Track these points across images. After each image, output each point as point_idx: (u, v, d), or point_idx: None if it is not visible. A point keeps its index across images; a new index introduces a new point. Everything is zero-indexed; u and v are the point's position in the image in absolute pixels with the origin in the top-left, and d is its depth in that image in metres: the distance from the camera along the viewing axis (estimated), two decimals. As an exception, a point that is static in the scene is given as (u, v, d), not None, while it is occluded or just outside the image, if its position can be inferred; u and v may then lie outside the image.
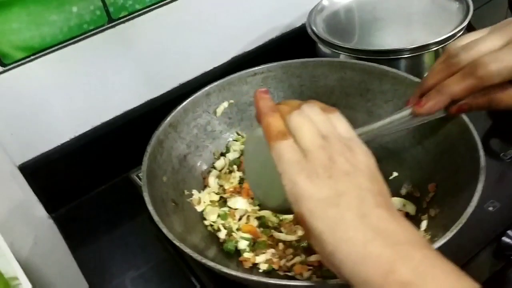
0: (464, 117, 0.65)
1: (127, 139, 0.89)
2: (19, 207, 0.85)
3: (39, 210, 0.88)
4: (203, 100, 0.78)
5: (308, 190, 0.42)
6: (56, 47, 0.76)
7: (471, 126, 0.63)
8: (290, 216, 0.70)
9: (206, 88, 0.78)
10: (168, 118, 0.73)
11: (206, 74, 0.96)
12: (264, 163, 0.49)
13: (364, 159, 0.46)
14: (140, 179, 0.83)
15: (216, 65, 0.98)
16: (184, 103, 0.76)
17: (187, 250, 0.55)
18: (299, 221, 0.43)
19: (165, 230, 0.57)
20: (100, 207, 0.88)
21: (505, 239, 0.71)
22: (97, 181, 0.91)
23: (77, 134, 0.86)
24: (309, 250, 0.67)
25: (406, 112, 0.62)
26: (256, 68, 0.81)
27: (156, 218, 0.59)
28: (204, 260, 0.54)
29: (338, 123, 0.49)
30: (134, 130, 0.88)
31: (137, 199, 0.80)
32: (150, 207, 0.60)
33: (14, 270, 0.62)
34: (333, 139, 0.46)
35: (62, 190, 0.88)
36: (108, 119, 0.88)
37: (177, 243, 0.56)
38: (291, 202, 0.44)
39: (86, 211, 0.89)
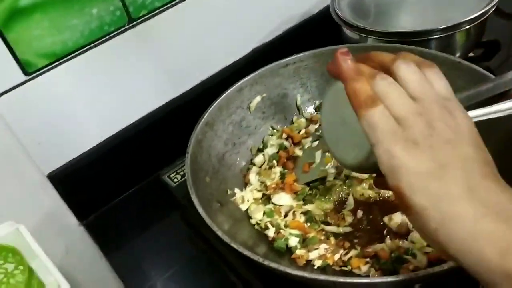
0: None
1: (153, 140, 0.87)
2: (50, 216, 0.83)
3: (70, 218, 0.86)
4: (236, 96, 0.76)
5: (407, 162, 0.38)
6: (78, 52, 0.74)
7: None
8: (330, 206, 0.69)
9: (239, 83, 0.76)
10: (204, 117, 0.71)
11: (227, 69, 0.93)
12: (344, 118, 0.45)
13: (466, 122, 0.41)
14: (171, 180, 0.82)
15: (236, 59, 0.95)
16: (218, 100, 0.73)
17: (246, 252, 0.53)
18: (396, 195, 0.39)
19: (219, 233, 0.55)
20: (130, 211, 0.87)
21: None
22: (125, 185, 0.89)
23: (103, 139, 0.84)
24: (364, 242, 0.65)
25: None
26: (287, 58, 0.78)
27: (208, 221, 0.57)
28: (261, 260, 0.52)
29: (436, 80, 0.44)
30: (159, 130, 0.87)
31: (166, 200, 0.81)
32: (200, 209, 0.58)
33: (53, 275, 0.60)
34: (430, 101, 0.41)
35: (92, 196, 0.86)
36: (133, 121, 0.86)
37: (235, 246, 0.54)
38: (387, 175, 0.40)
39: (116, 216, 0.87)
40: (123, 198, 0.89)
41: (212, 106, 0.72)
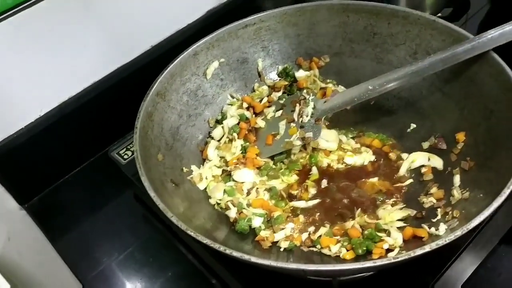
0: (495, 56, 0.58)
1: (100, 113, 0.80)
2: (-15, 200, 0.75)
3: (9, 202, 0.78)
4: (190, 61, 0.68)
5: None
6: (6, 14, 0.65)
7: (505, 66, 0.57)
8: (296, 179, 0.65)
9: (193, 47, 0.68)
10: (155, 86, 0.63)
11: (180, 32, 0.85)
12: None
13: None
14: (121, 156, 0.74)
15: (190, 21, 0.87)
16: (170, 66, 0.65)
17: (201, 237, 0.47)
18: None
19: (174, 219, 0.49)
20: (78, 191, 0.80)
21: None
22: (71, 164, 0.82)
23: (42, 113, 0.75)
24: (330, 220, 0.60)
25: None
26: (247, 19, 0.71)
27: (161, 205, 0.50)
28: (222, 248, 0.47)
29: None
30: (107, 102, 0.79)
31: (117, 178, 0.74)
32: (152, 193, 0.51)
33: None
34: None
35: (33, 177, 0.78)
36: (76, 93, 0.78)
37: (192, 233, 0.47)
38: None
39: (62, 197, 0.80)
40: (69, 178, 0.81)
41: (163, 74, 0.64)
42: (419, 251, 0.44)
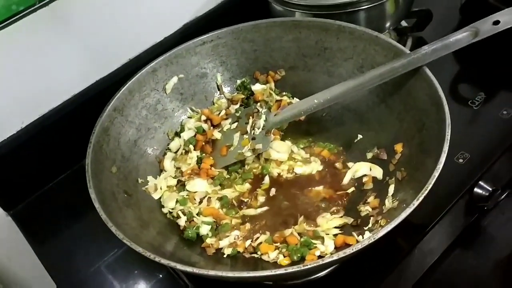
0: (427, 71, 0.61)
1: (80, 125, 0.82)
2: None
3: (-5, 209, 0.84)
4: (149, 77, 0.72)
5: None
6: None
7: (435, 80, 0.59)
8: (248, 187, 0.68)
9: (151, 64, 0.72)
10: (112, 102, 0.68)
11: (157, 46, 0.88)
12: None
13: None
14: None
15: (167, 34, 0.90)
16: (128, 83, 0.70)
17: (139, 249, 0.51)
18: None
19: (113, 229, 0.53)
20: (59, 199, 0.83)
21: (477, 190, 0.68)
22: (53, 173, 0.86)
23: (23, 125, 0.80)
24: (274, 227, 0.64)
25: None
26: (204, 36, 0.75)
27: (103, 216, 0.54)
28: (157, 258, 0.50)
29: None
30: (86, 114, 0.79)
31: None
32: (97, 205, 0.56)
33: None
34: None
35: (17, 186, 0.83)
36: (56, 105, 0.81)
37: (127, 242, 0.51)
38: None
39: (45, 205, 0.84)
40: (52, 186, 0.85)
41: (121, 90, 0.69)
42: (313, 264, 0.48)
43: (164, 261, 0.50)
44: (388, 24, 0.83)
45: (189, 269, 0.49)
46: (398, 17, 0.84)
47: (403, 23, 0.91)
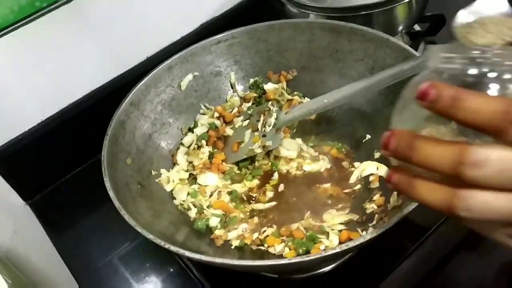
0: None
1: (97, 119, 0.84)
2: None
3: (15, 198, 0.86)
4: (165, 74, 0.75)
5: None
6: (9, 29, 0.72)
7: (441, 83, 0.60)
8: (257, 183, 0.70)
9: (167, 61, 0.75)
10: (129, 97, 0.70)
11: (174, 44, 0.91)
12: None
13: None
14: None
15: (184, 33, 0.92)
16: (145, 79, 0.72)
17: (150, 236, 0.53)
18: None
19: (126, 217, 0.55)
20: (76, 191, 0.86)
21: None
22: (71, 164, 0.89)
23: (44, 118, 0.83)
24: (281, 221, 0.65)
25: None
26: (220, 35, 0.77)
27: (117, 204, 0.57)
28: (167, 245, 0.52)
29: None
30: (104, 109, 0.83)
31: None
32: (111, 193, 0.58)
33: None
34: None
35: (36, 176, 0.86)
36: (75, 100, 0.85)
37: (139, 230, 0.54)
38: None
39: (62, 196, 0.87)
40: (69, 178, 0.88)
41: (138, 86, 0.71)
42: (317, 255, 0.49)
43: (173, 248, 0.52)
44: (400, 28, 0.84)
45: (197, 256, 0.51)
46: (411, 21, 0.85)
47: (416, 27, 0.92)
